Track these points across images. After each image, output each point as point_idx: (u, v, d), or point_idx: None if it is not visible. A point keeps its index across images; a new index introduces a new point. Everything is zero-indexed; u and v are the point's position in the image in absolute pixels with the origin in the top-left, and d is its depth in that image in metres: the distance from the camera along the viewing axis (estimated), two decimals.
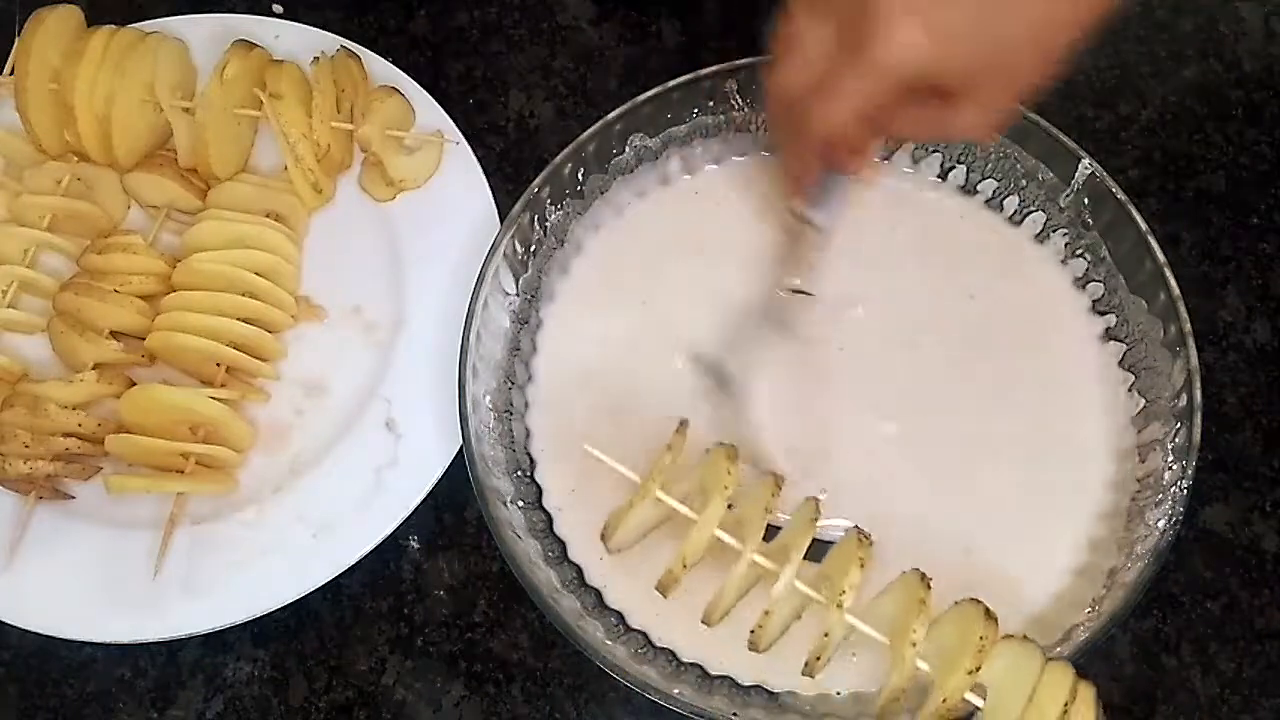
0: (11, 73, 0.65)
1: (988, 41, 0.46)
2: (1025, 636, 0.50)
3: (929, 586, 0.50)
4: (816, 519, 0.52)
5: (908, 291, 0.63)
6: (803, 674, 0.52)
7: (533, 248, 0.63)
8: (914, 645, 0.49)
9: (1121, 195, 0.59)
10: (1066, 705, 0.47)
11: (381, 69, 0.70)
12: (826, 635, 0.50)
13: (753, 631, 0.52)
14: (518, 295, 0.63)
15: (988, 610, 0.50)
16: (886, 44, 0.46)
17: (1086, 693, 0.48)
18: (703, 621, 0.54)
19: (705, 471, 0.54)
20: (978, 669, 0.48)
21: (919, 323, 0.62)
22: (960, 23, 0.46)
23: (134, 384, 0.62)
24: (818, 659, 0.51)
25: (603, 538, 0.56)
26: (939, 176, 0.65)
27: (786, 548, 0.52)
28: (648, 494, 0.53)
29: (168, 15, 0.72)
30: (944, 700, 0.49)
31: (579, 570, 0.59)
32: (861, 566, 0.50)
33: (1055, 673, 0.48)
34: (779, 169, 0.55)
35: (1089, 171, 0.60)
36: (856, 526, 0.52)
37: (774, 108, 0.53)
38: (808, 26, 0.50)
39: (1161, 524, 0.54)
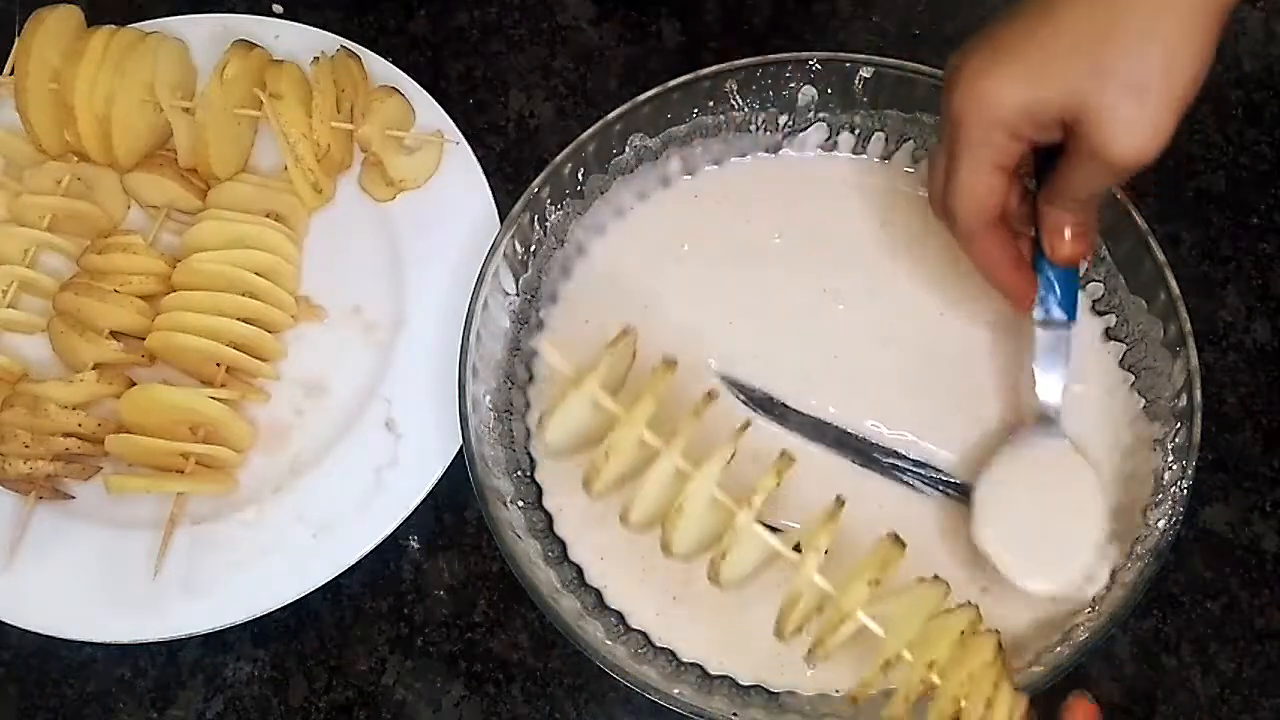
0: (11, 73, 0.65)
1: (1064, 73, 0.46)
2: (936, 577, 0.49)
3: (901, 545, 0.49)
4: (783, 471, 0.49)
5: (904, 290, 0.63)
6: (776, 634, 0.50)
7: (533, 248, 0.63)
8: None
9: (1121, 195, 0.59)
10: (963, 633, 0.47)
11: (381, 69, 0.70)
12: (800, 602, 0.49)
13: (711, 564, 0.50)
14: (518, 295, 0.63)
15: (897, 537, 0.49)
16: (968, 109, 0.47)
17: (987, 640, 0.47)
18: (584, 487, 0.51)
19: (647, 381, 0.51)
20: (878, 582, 0.47)
21: (915, 322, 0.62)
22: (1169, 118, 0.45)
23: (134, 384, 0.62)
24: (790, 620, 0.49)
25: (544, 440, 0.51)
26: None
27: (710, 458, 0.49)
28: (581, 384, 0.49)
29: (168, 15, 0.72)
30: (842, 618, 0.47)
31: (579, 570, 0.59)
32: (832, 522, 0.49)
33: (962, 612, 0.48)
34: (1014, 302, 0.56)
35: None
36: (838, 496, 0.50)
37: (986, 235, 0.53)
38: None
39: (1161, 524, 0.54)
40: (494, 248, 0.61)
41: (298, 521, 0.61)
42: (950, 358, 0.61)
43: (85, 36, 0.65)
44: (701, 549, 0.51)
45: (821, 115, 0.65)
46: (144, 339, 0.63)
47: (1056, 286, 0.55)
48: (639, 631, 0.57)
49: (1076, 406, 0.60)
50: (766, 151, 0.66)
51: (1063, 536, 0.55)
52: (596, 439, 0.51)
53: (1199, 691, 0.58)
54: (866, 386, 0.61)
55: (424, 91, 0.69)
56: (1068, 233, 0.53)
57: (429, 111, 0.69)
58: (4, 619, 0.59)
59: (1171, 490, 0.54)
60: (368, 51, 0.70)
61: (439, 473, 0.61)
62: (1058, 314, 0.55)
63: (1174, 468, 0.55)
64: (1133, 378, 0.60)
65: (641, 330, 0.63)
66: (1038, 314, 0.56)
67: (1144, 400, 0.59)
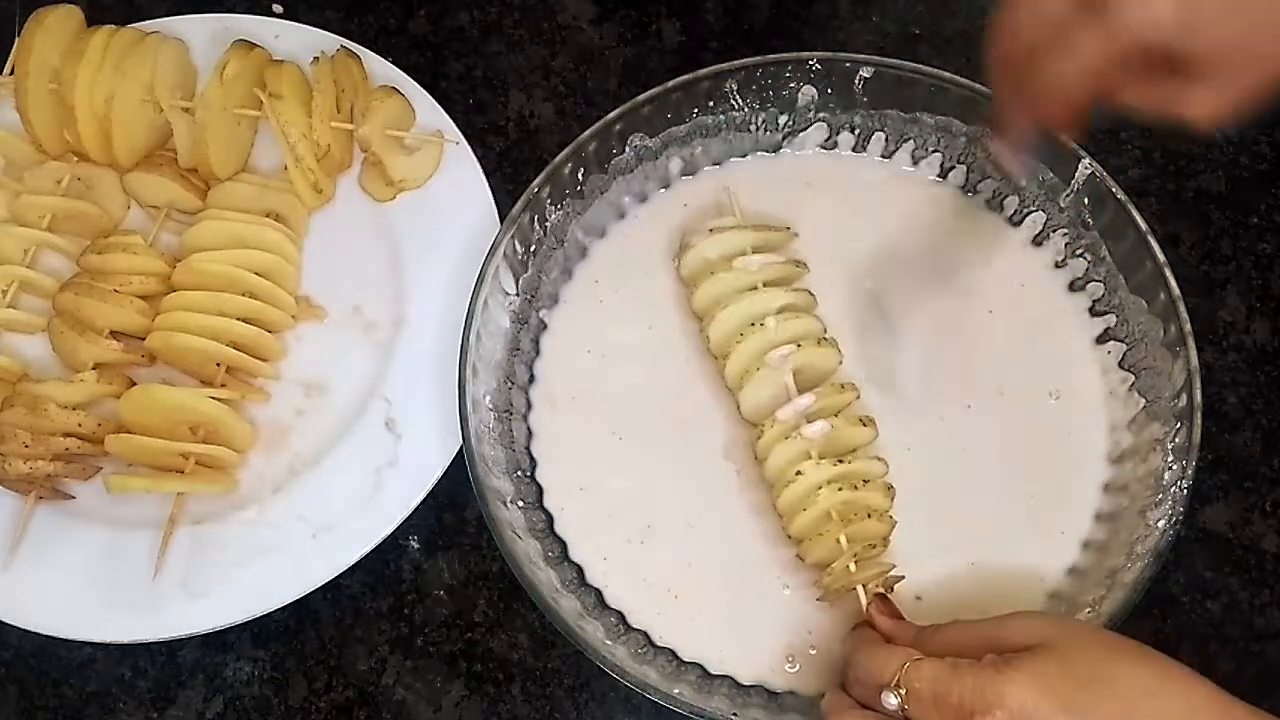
0: (11, 73, 0.65)
1: (1241, 23, 0.43)
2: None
3: None
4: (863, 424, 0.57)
5: (903, 291, 0.63)
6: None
7: (533, 248, 0.63)
8: None
9: (1121, 195, 0.59)
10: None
11: (381, 69, 0.70)
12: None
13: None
14: (518, 295, 0.63)
15: None
16: (1135, 13, 0.43)
17: None
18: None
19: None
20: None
21: (915, 322, 0.62)
22: (1215, 3, 0.43)
23: (134, 384, 0.62)
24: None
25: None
26: (939, 176, 0.65)
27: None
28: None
29: (168, 15, 0.72)
30: None
31: (579, 570, 0.59)
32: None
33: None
34: (996, 118, 0.53)
35: (1089, 171, 0.60)
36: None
37: (1000, 60, 0.50)
38: None
39: (1161, 524, 0.54)
40: (494, 248, 0.61)
41: (298, 521, 0.61)
42: None
43: (85, 36, 0.65)
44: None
45: (821, 115, 0.65)
46: (144, 339, 0.63)
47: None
48: (639, 631, 0.57)
49: (1077, 406, 0.60)
50: (766, 151, 0.66)
51: None
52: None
53: None
54: None
55: (424, 91, 0.69)
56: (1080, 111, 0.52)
57: (429, 111, 0.69)
58: (4, 619, 0.59)
59: (1171, 490, 0.54)
60: (368, 51, 0.70)
61: (439, 473, 0.61)
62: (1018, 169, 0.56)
63: (1174, 468, 0.55)
64: (1133, 378, 0.60)
65: (642, 331, 0.64)
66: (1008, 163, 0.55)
67: (1144, 400, 0.59)
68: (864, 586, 0.54)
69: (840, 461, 0.56)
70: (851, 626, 0.54)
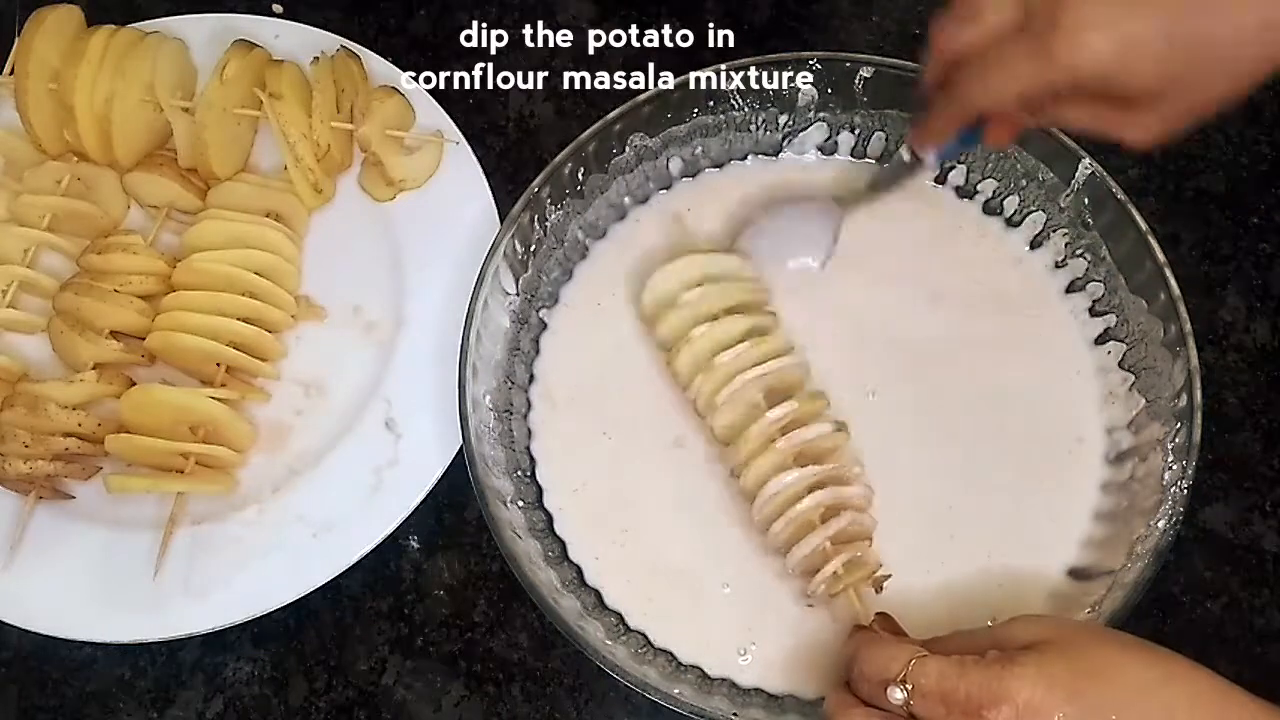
0: (11, 73, 0.65)
1: (1178, 60, 0.44)
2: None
3: None
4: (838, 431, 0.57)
5: (902, 292, 0.63)
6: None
7: (533, 248, 0.63)
8: None
9: (1121, 195, 0.59)
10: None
11: (381, 69, 0.70)
12: None
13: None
14: (518, 295, 0.63)
15: None
16: (1070, 45, 0.44)
17: None
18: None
19: None
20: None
21: (915, 323, 0.62)
22: (1153, 38, 0.43)
23: (134, 384, 0.62)
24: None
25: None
26: (936, 181, 0.65)
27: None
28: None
29: (168, 15, 0.73)
30: None
31: (579, 570, 0.59)
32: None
33: None
34: (922, 114, 0.54)
35: (1089, 171, 0.60)
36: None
37: (936, 56, 0.51)
38: None
39: (1161, 524, 0.54)
40: (494, 248, 0.61)
41: (298, 521, 0.61)
42: None
43: (85, 36, 0.65)
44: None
45: (821, 115, 0.65)
46: (144, 339, 0.63)
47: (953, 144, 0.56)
48: (639, 632, 0.57)
49: (1077, 406, 0.60)
50: (766, 154, 0.66)
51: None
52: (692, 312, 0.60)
53: None
54: None
55: (424, 91, 0.69)
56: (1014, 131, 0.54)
57: (429, 111, 0.69)
58: (4, 619, 0.59)
59: (1171, 490, 0.54)
60: (368, 51, 0.70)
61: (439, 473, 0.61)
62: (941, 155, 0.57)
63: (1174, 468, 0.55)
64: (1133, 378, 0.60)
65: (642, 332, 0.63)
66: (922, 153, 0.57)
67: (1144, 400, 0.59)
68: (855, 590, 0.54)
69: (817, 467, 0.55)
70: (853, 627, 0.54)
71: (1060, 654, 0.42)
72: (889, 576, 0.55)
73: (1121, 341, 0.61)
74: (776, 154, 0.67)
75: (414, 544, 0.63)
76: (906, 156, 0.59)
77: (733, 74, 0.63)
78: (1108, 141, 0.49)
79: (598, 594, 0.58)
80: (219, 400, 0.61)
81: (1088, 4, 0.44)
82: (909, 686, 0.44)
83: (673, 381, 0.61)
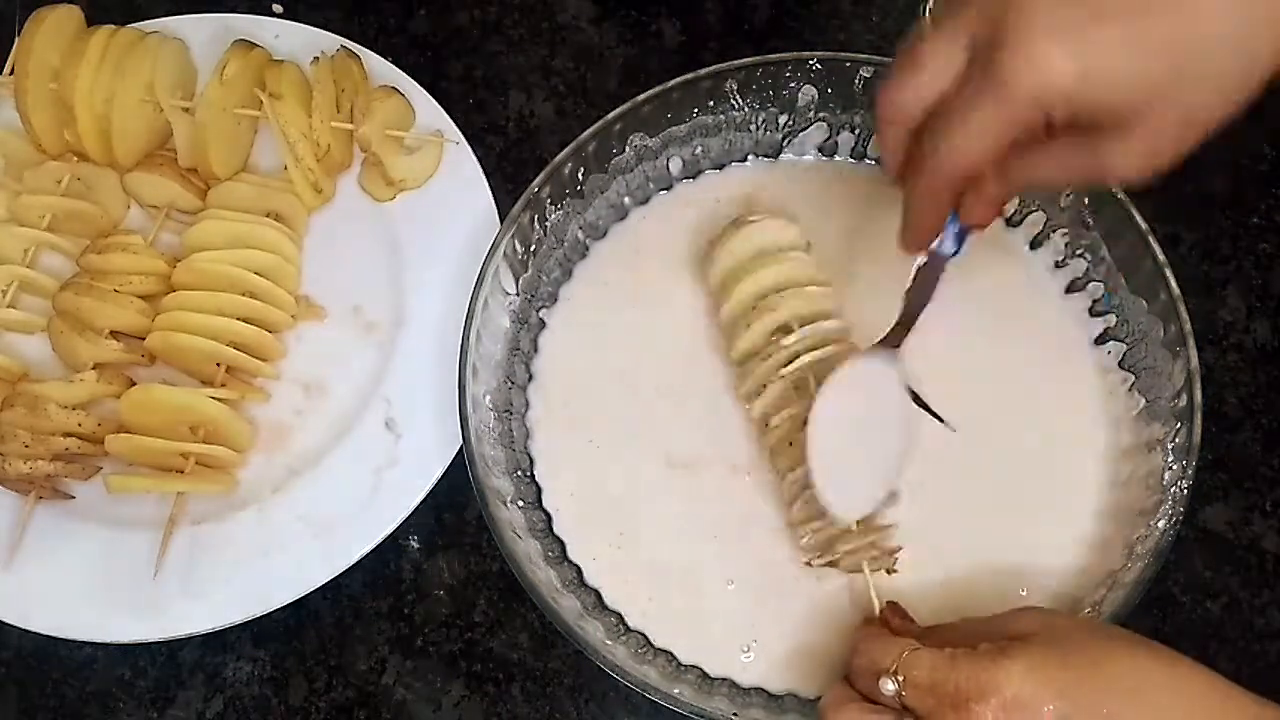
0: (11, 73, 0.65)
1: (1155, 69, 0.39)
2: None
3: None
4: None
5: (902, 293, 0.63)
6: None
7: (533, 248, 0.63)
8: None
9: (1121, 195, 0.59)
10: None
11: (381, 69, 0.70)
12: None
13: None
14: (518, 295, 0.63)
15: None
16: (1023, 64, 0.38)
17: None
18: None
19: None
20: None
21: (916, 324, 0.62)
22: (1117, 45, 0.38)
23: (134, 384, 0.62)
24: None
25: None
26: None
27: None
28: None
29: (168, 15, 0.72)
30: None
31: (579, 570, 0.59)
32: None
33: None
34: (903, 216, 0.47)
35: None
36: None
37: (892, 138, 0.46)
38: (937, 41, 0.42)
39: (1161, 524, 0.54)
40: (494, 248, 0.61)
41: (298, 521, 0.61)
42: None
43: (85, 36, 0.65)
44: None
45: (821, 115, 0.65)
46: (144, 339, 0.63)
47: (953, 229, 0.50)
48: (639, 632, 0.57)
49: (1077, 406, 0.60)
50: (766, 155, 0.66)
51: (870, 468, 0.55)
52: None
53: None
54: None
55: (424, 91, 0.69)
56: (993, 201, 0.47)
57: (429, 111, 0.69)
58: (4, 619, 0.59)
59: (1171, 490, 0.54)
60: (368, 51, 0.70)
61: (439, 473, 0.61)
62: (946, 249, 0.50)
63: (1174, 468, 0.55)
64: (1133, 378, 0.60)
65: (643, 332, 0.64)
66: (923, 255, 0.51)
67: (1144, 400, 0.59)
68: (866, 563, 0.54)
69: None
70: (862, 620, 0.54)
71: (1053, 647, 0.42)
72: (899, 548, 0.56)
73: (1121, 341, 0.61)
74: (776, 154, 0.67)
75: (414, 544, 0.63)
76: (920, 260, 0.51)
77: (733, 74, 0.63)
78: (1096, 187, 0.44)
79: (597, 594, 0.58)
80: (219, 400, 0.61)
81: (1039, 13, 0.39)
82: (901, 678, 0.44)
83: (670, 380, 0.61)
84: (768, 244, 0.60)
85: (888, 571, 0.56)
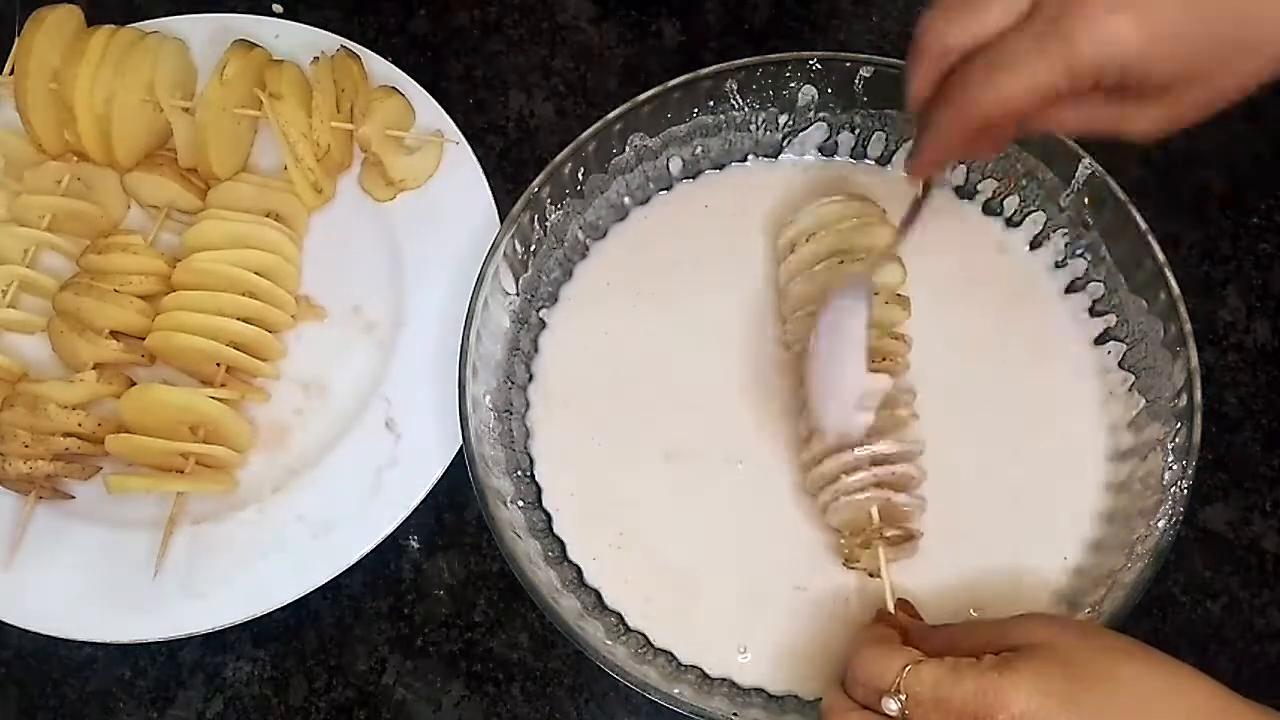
0: (11, 73, 0.65)
1: (1204, 42, 0.41)
2: None
3: None
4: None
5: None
6: None
7: (533, 248, 0.63)
8: None
9: (1121, 195, 0.59)
10: None
11: (381, 69, 0.70)
12: None
13: None
14: (518, 295, 0.63)
15: None
16: (1092, 33, 0.40)
17: None
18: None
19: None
20: None
21: (914, 324, 0.62)
22: (1180, 20, 0.40)
23: (134, 384, 0.62)
24: None
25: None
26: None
27: None
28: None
29: (168, 15, 0.73)
30: None
31: (579, 570, 0.59)
32: None
33: None
34: (917, 141, 0.48)
35: (1089, 171, 0.60)
36: None
37: (926, 64, 0.45)
38: None
39: (1161, 524, 0.54)
40: (494, 248, 0.61)
41: (298, 521, 0.61)
42: None
43: (85, 36, 0.65)
44: None
45: (821, 115, 0.65)
46: (144, 339, 0.63)
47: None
48: (639, 632, 0.57)
49: (1077, 406, 0.60)
50: (766, 155, 0.66)
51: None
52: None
53: None
54: None
55: (424, 91, 0.69)
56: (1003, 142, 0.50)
57: (429, 111, 0.69)
58: (4, 619, 0.59)
59: (1171, 490, 0.54)
60: (368, 51, 0.70)
61: (439, 473, 0.61)
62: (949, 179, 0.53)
63: (1174, 468, 0.55)
64: (1133, 378, 0.60)
65: (643, 332, 0.64)
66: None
67: (1144, 400, 0.59)
68: (883, 551, 0.55)
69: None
70: (875, 615, 0.54)
71: (1058, 660, 0.42)
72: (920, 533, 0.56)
73: (1121, 341, 0.61)
74: (776, 154, 0.67)
75: (414, 544, 0.63)
76: (918, 191, 0.54)
77: (733, 74, 0.63)
78: (1104, 139, 0.46)
79: (597, 594, 0.58)
80: (219, 400, 0.61)
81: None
82: (904, 696, 0.44)
83: (670, 380, 0.61)
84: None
85: (907, 543, 0.56)
